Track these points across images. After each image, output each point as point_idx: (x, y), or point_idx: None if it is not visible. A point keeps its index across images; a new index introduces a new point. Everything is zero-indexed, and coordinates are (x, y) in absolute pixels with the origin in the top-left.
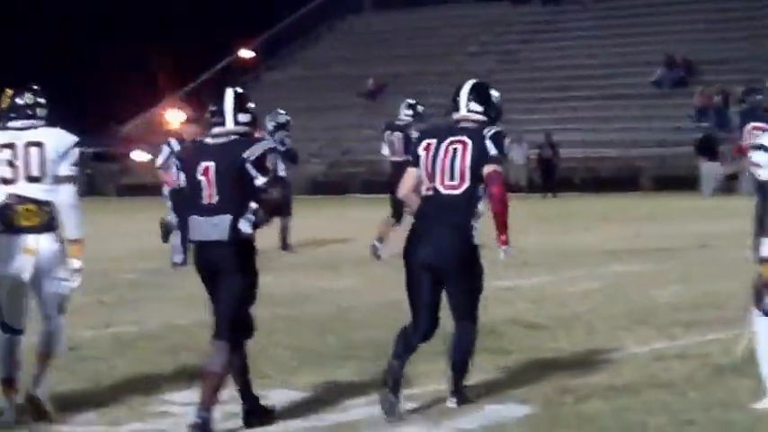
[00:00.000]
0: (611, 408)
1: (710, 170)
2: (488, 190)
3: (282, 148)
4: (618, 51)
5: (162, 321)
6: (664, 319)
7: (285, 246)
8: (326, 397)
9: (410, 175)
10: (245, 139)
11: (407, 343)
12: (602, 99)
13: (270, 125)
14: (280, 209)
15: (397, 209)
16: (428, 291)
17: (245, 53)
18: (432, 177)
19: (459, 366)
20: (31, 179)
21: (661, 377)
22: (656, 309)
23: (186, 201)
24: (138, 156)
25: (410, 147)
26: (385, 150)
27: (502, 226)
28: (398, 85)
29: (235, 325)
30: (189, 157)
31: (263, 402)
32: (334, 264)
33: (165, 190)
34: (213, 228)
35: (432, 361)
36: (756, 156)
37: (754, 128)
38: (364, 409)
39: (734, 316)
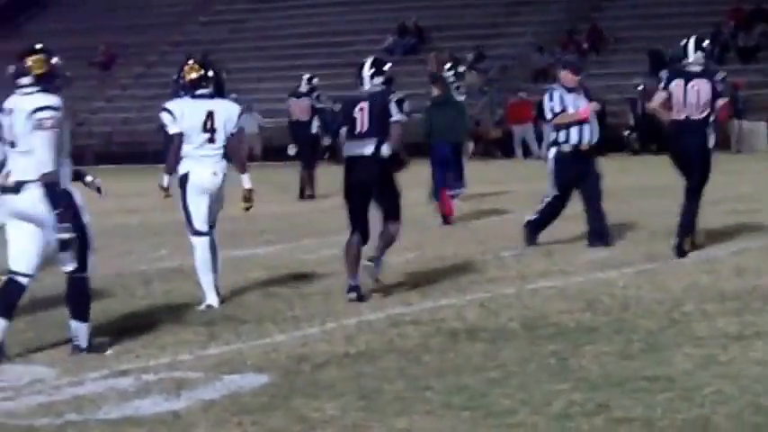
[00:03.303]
0: (348, 374)
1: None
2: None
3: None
4: (349, 19)
5: None
6: (399, 285)
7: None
8: (65, 370)
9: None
10: (389, 88)
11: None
12: (336, 68)
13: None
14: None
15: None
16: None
17: None
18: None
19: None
20: None
21: (397, 343)
22: (391, 275)
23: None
24: None
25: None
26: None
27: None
28: (130, 56)
29: (397, 208)
30: (349, 102)
31: None
32: None
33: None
34: (364, 147)
35: (172, 332)
36: None
37: None
38: (103, 382)
39: (466, 281)
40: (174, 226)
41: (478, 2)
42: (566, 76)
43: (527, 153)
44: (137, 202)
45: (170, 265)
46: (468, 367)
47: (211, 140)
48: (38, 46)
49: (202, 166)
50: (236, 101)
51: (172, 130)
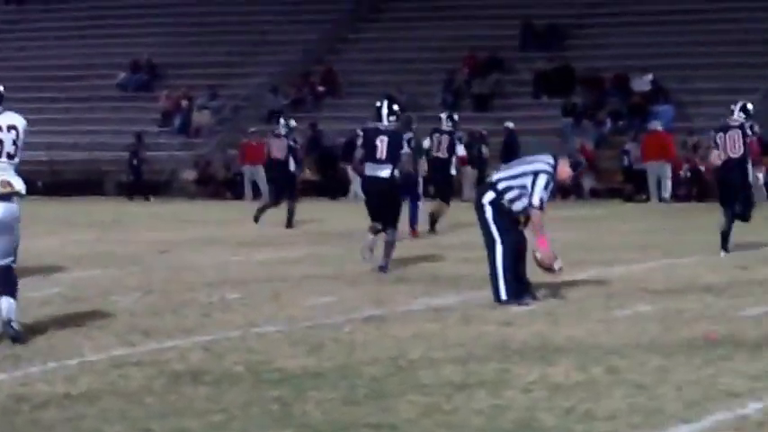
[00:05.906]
0: (68, 416)
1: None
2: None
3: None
4: (83, 53)
5: None
6: (123, 325)
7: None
8: None
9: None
10: (402, 127)
11: None
12: (68, 102)
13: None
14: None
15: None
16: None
17: None
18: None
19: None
20: None
21: (119, 385)
22: (115, 315)
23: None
24: None
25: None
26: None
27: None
28: None
29: (397, 219)
30: (369, 133)
31: None
32: None
33: None
34: (382, 171)
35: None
36: None
37: None
38: None
39: (191, 323)
40: None
41: (215, 39)
42: (562, 168)
43: (257, 194)
44: None
45: None
46: (190, 410)
47: None
48: None
49: None
50: None
51: None
